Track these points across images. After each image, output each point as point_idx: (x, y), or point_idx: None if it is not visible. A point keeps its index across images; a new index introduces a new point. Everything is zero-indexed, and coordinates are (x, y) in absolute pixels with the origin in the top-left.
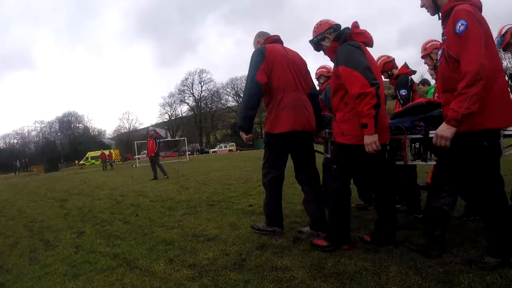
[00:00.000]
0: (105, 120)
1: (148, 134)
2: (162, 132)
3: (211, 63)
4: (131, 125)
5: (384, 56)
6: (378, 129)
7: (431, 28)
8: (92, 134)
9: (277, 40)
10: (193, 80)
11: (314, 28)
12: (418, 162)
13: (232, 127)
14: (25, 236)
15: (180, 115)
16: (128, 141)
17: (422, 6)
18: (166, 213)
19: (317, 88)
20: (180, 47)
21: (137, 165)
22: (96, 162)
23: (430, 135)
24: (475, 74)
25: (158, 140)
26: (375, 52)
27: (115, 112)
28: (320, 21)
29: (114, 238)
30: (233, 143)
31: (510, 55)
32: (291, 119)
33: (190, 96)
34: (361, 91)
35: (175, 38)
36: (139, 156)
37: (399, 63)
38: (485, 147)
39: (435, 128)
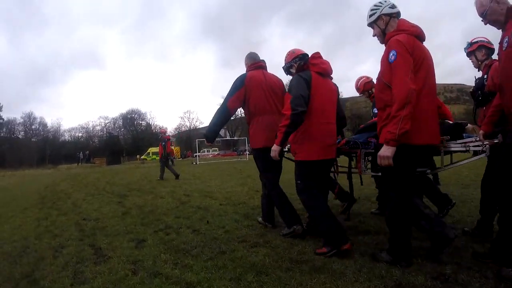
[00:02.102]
0: (166, 118)
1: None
2: (221, 131)
3: (273, 63)
4: (192, 124)
5: (363, 77)
6: (323, 146)
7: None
8: (154, 131)
9: (260, 66)
10: None
11: (285, 56)
12: (370, 173)
13: None
14: (74, 237)
15: (240, 115)
16: (188, 139)
17: (374, 36)
18: (243, 223)
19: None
20: (243, 48)
21: (197, 163)
22: (156, 158)
23: None
24: (403, 99)
25: (163, 143)
26: (438, 52)
27: (177, 111)
28: (289, 51)
29: (183, 254)
30: None
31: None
32: (264, 138)
33: None
34: (283, 112)
35: (239, 39)
36: (199, 153)
37: (460, 67)
38: (396, 159)
39: None
